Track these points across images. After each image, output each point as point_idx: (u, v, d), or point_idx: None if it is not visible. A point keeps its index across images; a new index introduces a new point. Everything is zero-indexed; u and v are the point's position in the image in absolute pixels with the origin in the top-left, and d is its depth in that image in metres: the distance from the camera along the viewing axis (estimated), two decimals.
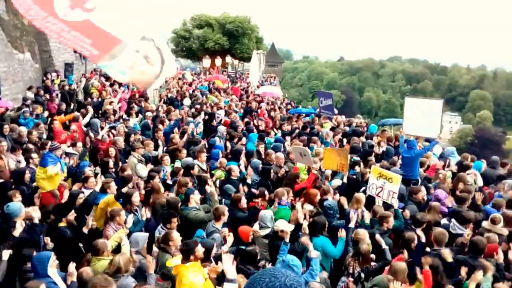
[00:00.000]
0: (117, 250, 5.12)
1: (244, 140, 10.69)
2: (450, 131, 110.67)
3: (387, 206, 6.93)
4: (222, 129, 11.41)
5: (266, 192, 7.03)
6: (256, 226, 6.06)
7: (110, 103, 12.60)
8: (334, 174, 8.51)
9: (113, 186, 6.57)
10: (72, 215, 5.68)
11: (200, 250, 4.71)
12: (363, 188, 7.57)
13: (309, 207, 6.82)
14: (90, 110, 11.53)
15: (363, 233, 5.64)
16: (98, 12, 4.42)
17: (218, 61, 31.03)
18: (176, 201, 6.31)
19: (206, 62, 28.29)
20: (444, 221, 6.76)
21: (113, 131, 10.15)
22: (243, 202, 6.58)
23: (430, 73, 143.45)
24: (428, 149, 9.46)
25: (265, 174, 8.15)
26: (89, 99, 14.39)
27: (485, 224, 6.41)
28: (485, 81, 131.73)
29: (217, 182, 7.91)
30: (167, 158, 8.42)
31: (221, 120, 12.75)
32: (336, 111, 16.61)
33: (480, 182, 8.56)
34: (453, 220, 6.54)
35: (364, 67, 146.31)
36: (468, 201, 7.28)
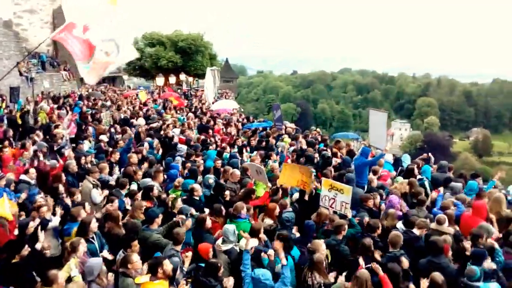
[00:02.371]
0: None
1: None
2: (400, 138, 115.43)
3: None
4: (183, 148, 11.30)
5: (222, 208, 7.01)
6: (219, 241, 6.02)
7: (57, 126, 12.17)
8: None
9: (84, 213, 6.34)
10: (26, 251, 5.36)
11: (168, 265, 4.63)
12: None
13: (268, 221, 6.87)
14: (39, 134, 11.10)
15: (318, 243, 5.72)
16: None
17: (172, 79, 30.79)
18: (135, 225, 6.16)
19: (160, 80, 27.97)
20: (399, 224, 7.02)
21: (69, 153, 9.80)
22: (208, 223, 6.51)
23: (378, 83, 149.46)
24: (378, 158, 9.84)
25: (219, 190, 8.12)
26: (38, 123, 13.83)
27: (433, 225, 6.74)
28: (430, 88, 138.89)
29: (179, 201, 7.77)
30: (124, 180, 8.20)
31: (173, 138, 12.62)
32: (288, 123, 16.96)
33: (428, 187, 8.93)
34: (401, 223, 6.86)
35: (316, 79, 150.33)
36: (424, 204, 7.71)
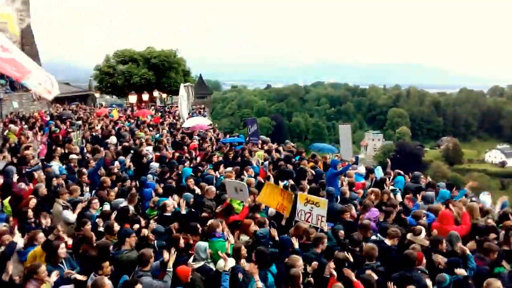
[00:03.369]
0: None
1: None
2: (374, 148, 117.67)
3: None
4: (155, 166, 11.12)
5: (198, 226, 6.90)
6: (190, 259, 5.90)
7: (27, 147, 11.80)
8: None
9: (41, 238, 6.13)
10: None
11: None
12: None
13: (244, 237, 6.80)
14: (7, 156, 10.73)
15: (294, 258, 5.68)
16: (13, 51, 8.08)
17: (145, 96, 30.47)
18: (106, 244, 5.99)
19: (132, 98, 27.62)
20: (374, 237, 7.07)
21: (39, 175, 9.47)
22: (182, 243, 6.39)
23: (351, 96, 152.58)
24: (346, 168, 10.00)
25: (197, 207, 8.00)
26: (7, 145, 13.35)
27: (409, 236, 6.82)
28: (400, 99, 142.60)
29: (152, 221, 7.63)
30: (96, 202, 7.98)
31: (148, 156, 12.44)
32: (264, 137, 17.01)
33: (399, 198, 9.06)
34: (378, 234, 6.90)
35: (290, 93, 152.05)
36: (393, 214, 7.75)
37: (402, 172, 11.41)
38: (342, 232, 7.02)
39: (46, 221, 7.03)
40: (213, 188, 8.69)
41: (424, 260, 6.10)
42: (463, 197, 9.07)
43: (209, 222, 6.83)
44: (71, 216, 7.48)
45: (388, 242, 6.50)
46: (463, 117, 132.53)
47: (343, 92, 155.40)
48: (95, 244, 6.17)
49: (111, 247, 6.05)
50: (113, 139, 14.59)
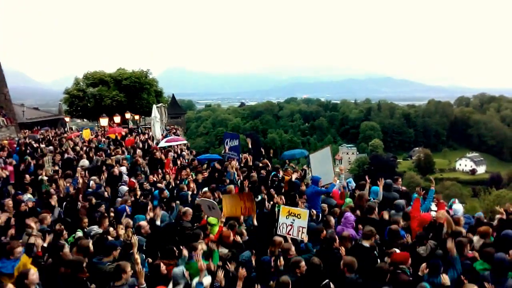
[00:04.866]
0: None
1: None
2: (348, 162, 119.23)
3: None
4: (124, 189, 10.87)
5: (174, 249, 6.74)
6: (170, 286, 5.74)
7: None
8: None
9: (19, 252, 5.91)
10: None
11: None
12: None
13: (224, 250, 6.69)
14: None
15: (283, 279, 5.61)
16: None
17: (117, 118, 29.98)
18: (79, 260, 5.76)
19: (104, 120, 27.15)
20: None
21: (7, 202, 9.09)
22: (163, 269, 6.21)
23: (323, 111, 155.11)
24: (331, 189, 10.06)
25: (171, 229, 7.84)
26: None
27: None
28: (371, 112, 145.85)
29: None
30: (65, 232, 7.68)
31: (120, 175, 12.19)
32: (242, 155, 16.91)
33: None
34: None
35: (264, 110, 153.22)
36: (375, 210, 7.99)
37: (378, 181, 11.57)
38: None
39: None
40: (190, 210, 8.53)
41: (410, 261, 6.11)
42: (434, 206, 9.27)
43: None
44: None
45: (365, 243, 6.51)
46: (433, 127, 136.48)
47: (315, 108, 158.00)
48: (68, 260, 5.95)
49: (84, 263, 5.83)
50: (84, 162, 14.21)
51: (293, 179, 11.52)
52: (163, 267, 6.15)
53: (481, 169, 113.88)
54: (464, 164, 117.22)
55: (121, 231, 7.29)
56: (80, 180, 10.98)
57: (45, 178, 11.23)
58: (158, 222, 7.70)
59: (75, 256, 6.07)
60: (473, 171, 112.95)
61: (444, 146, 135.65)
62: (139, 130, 32.12)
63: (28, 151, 17.21)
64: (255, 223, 7.95)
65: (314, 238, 7.41)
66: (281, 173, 12.45)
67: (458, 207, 9.93)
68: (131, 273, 5.45)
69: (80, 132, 28.55)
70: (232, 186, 9.83)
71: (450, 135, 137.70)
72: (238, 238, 7.04)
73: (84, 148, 18.02)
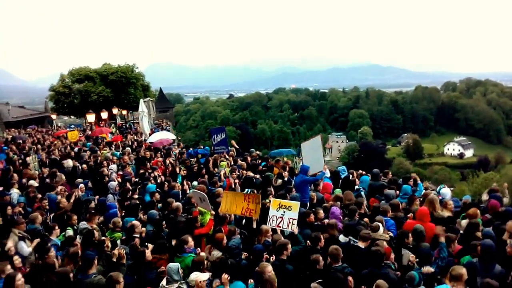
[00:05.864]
0: None
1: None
2: (338, 150, 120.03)
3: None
4: (113, 185, 10.78)
5: (165, 243, 6.74)
6: (163, 281, 5.71)
7: None
8: None
9: (9, 269, 5.76)
10: None
11: None
12: None
13: (217, 253, 6.65)
14: None
15: (263, 265, 5.63)
16: None
17: (104, 114, 29.63)
18: (66, 272, 5.72)
19: (90, 117, 26.82)
20: (341, 237, 7.13)
21: None
22: (149, 256, 6.22)
23: (312, 100, 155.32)
24: (319, 177, 10.09)
25: (159, 225, 7.82)
26: None
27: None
28: (360, 100, 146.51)
29: (118, 242, 7.40)
30: (55, 231, 7.61)
31: (111, 175, 12.09)
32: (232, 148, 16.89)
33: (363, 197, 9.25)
34: (350, 237, 6.95)
35: (253, 101, 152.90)
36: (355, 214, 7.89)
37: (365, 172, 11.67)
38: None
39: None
40: (180, 205, 8.51)
41: (393, 255, 6.21)
42: (423, 191, 9.36)
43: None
44: (25, 249, 7.09)
45: (361, 244, 6.54)
46: (421, 113, 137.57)
47: (304, 97, 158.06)
48: (55, 272, 5.89)
49: (71, 275, 5.78)
50: (69, 162, 14.00)
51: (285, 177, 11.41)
52: (148, 253, 6.15)
53: (469, 153, 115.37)
54: (452, 148, 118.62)
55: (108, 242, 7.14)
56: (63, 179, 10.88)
57: (34, 183, 11.04)
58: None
59: (62, 268, 5.97)
60: (461, 155, 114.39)
61: (432, 131, 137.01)
62: (128, 125, 31.90)
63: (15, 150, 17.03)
64: (254, 226, 7.82)
65: (300, 221, 7.47)
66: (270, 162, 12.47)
67: (445, 191, 10.07)
68: (123, 283, 5.41)
69: (68, 130, 28.24)
70: (221, 190, 9.75)
71: (438, 120, 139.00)
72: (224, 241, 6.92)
73: (71, 146, 17.81)
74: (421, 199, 8.77)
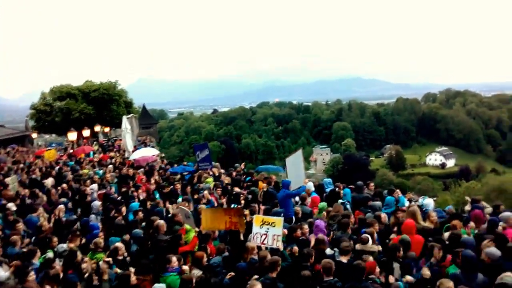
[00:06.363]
0: None
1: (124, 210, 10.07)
2: (323, 163, 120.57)
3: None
4: (96, 204, 10.61)
5: (149, 264, 6.64)
6: None
7: None
8: None
9: None
10: None
11: None
12: None
13: (197, 272, 6.58)
14: None
15: (253, 283, 5.59)
16: None
17: (86, 132, 29.27)
18: None
19: (72, 135, 26.45)
20: (328, 250, 7.14)
21: None
22: (133, 280, 6.10)
23: (296, 113, 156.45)
24: (301, 191, 10.13)
25: (142, 244, 7.71)
26: None
27: (358, 246, 6.95)
28: (343, 113, 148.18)
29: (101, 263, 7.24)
30: (37, 254, 7.41)
31: (92, 195, 11.90)
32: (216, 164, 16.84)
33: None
34: (335, 249, 6.97)
35: (237, 116, 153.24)
36: (347, 227, 7.93)
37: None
38: (295, 248, 7.05)
39: None
40: (163, 222, 8.41)
41: (378, 269, 6.23)
42: (404, 202, 9.49)
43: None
44: (2, 273, 6.88)
45: (342, 259, 6.55)
46: (402, 125, 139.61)
47: (288, 111, 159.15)
48: None
49: None
50: (49, 181, 13.73)
51: (268, 188, 11.43)
52: (133, 278, 6.05)
53: (450, 163, 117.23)
54: (434, 158, 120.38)
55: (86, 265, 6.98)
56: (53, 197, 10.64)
57: (12, 207, 10.74)
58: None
59: None
60: (443, 165, 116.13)
61: (414, 142, 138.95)
62: (111, 143, 31.56)
63: None
64: (242, 238, 7.81)
65: (288, 236, 7.47)
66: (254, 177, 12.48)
67: (428, 202, 10.21)
68: None
69: (49, 148, 27.76)
70: (203, 206, 9.69)
71: (419, 131, 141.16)
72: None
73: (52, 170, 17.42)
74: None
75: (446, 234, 7.45)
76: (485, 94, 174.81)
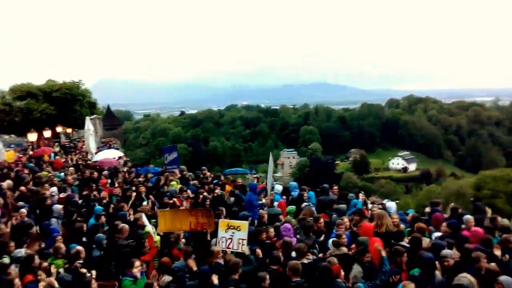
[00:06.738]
0: None
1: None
2: (290, 166, 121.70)
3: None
4: (57, 208, 10.25)
5: (112, 269, 6.47)
6: None
7: None
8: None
9: None
10: None
11: None
12: None
13: (167, 278, 6.48)
14: None
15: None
16: None
17: (47, 132, 28.27)
18: None
19: (32, 136, 25.46)
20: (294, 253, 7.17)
21: None
22: (94, 286, 5.92)
23: (264, 117, 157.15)
24: (261, 190, 10.19)
25: (104, 249, 7.51)
26: None
27: (332, 250, 7.06)
28: (310, 117, 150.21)
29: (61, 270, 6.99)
30: None
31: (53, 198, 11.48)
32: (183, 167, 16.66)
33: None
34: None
35: (205, 118, 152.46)
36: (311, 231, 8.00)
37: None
38: (259, 251, 7.07)
39: None
40: (126, 226, 8.22)
41: (342, 273, 6.30)
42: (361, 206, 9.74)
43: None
44: None
45: (302, 260, 6.59)
46: (367, 129, 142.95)
47: (256, 114, 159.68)
48: None
49: None
50: (5, 184, 13.13)
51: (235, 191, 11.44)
52: (94, 284, 5.88)
53: (412, 167, 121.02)
54: (397, 162, 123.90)
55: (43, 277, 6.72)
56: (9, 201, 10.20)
57: None
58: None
59: None
60: (405, 169, 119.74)
61: (378, 147, 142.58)
62: (72, 145, 30.68)
63: None
64: (208, 238, 7.76)
65: (252, 238, 7.47)
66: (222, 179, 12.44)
67: (391, 205, 10.46)
68: None
69: (7, 149, 26.59)
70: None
71: (383, 136, 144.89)
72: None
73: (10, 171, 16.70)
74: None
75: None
76: (445, 101, 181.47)
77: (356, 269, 6.53)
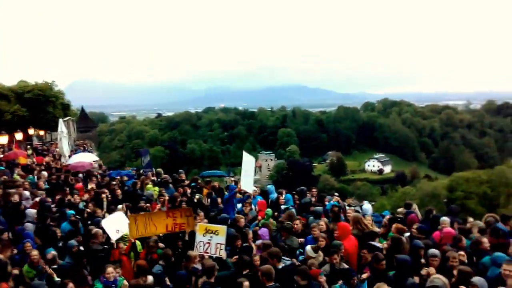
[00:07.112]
0: None
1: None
2: (268, 168, 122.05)
3: None
4: (31, 212, 9.95)
5: (86, 275, 6.33)
6: None
7: None
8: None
9: None
10: None
11: None
12: None
13: (150, 278, 6.39)
14: None
15: None
16: None
17: (19, 135, 27.46)
18: None
19: (3, 138, 24.68)
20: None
21: None
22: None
23: (241, 119, 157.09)
24: (245, 199, 10.18)
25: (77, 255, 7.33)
26: None
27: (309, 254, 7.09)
28: (287, 119, 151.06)
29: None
30: None
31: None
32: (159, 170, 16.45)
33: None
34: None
35: (182, 120, 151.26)
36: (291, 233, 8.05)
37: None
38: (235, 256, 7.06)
39: None
40: (100, 231, 8.05)
41: (323, 278, 6.30)
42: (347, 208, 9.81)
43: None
44: None
45: (276, 265, 6.58)
46: (343, 132, 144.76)
47: (234, 116, 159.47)
48: None
49: None
50: None
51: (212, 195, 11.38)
52: (70, 285, 5.75)
53: (387, 169, 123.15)
54: (372, 165, 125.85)
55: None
56: None
57: None
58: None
59: None
60: (380, 171, 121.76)
61: (354, 149, 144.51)
62: (44, 148, 29.90)
63: None
64: (187, 238, 7.71)
65: (228, 243, 7.42)
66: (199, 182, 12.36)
67: (367, 207, 10.60)
68: None
69: None
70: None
71: (359, 138, 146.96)
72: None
73: None
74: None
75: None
76: (419, 104, 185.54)
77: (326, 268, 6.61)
